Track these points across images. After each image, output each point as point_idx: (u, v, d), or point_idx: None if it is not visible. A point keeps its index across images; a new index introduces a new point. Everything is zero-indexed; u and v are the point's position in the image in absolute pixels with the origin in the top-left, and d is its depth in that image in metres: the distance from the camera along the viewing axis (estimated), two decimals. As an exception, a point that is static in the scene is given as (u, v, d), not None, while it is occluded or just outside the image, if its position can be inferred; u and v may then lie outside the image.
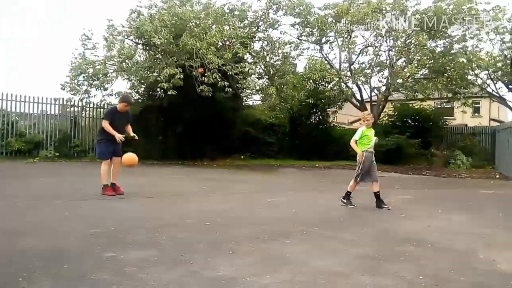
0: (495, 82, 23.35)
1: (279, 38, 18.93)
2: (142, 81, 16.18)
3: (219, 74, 14.25)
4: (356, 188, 7.28)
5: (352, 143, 7.44)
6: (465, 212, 7.02)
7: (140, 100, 17.49)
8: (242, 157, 18.75)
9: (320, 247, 4.43)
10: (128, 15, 15.75)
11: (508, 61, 21.72)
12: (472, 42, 20.05)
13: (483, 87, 23.82)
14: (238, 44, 15.29)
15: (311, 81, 19.76)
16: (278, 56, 18.52)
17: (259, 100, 21.69)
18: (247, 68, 16.40)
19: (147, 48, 16.02)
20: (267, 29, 18.40)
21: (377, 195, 7.16)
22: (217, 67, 14.11)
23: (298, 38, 20.08)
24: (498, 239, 5.07)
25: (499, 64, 22.20)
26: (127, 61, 15.22)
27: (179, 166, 14.87)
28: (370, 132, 7.42)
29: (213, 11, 15.73)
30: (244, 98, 20.38)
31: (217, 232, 4.94)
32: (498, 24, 20.31)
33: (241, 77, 15.42)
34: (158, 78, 14.22)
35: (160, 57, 15.54)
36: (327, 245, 4.53)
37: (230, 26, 16.40)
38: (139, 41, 15.98)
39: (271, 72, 18.27)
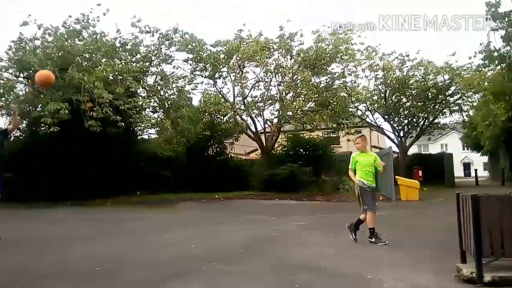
0: (372, 113, 26.06)
1: (173, 72, 19.02)
2: (24, 117, 14.85)
3: (110, 109, 13.68)
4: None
5: (349, 172, 6.85)
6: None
7: (21, 137, 15.96)
8: (138, 193, 17.98)
9: (215, 285, 4.33)
10: (8, 48, 14.65)
11: (382, 95, 24.46)
12: (350, 78, 22.26)
13: (363, 117, 26.37)
14: (131, 79, 14.89)
15: (207, 114, 20.06)
16: (173, 90, 18.49)
17: (154, 134, 21.25)
18: (141, 102, 16.01)
19: (30, 81, 14.83)
20: (160, 64, 18.32)
21: (358, 222, 6.64)
22: (107, 101, 13.54)
23: (192, 73, 20.31)
24: (383, 258, 5.39)
25: (375, 97, 24.89)
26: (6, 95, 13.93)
27: (67, 206, 13.66)
28: (363, 157, 6.72)
29: (103, 45, 15.23)
30: (139, 132, 19.85)
31: (106, 279, 4.55)
32: (371, 62, 22.88)
33: (134, 112, 14.99)
34: (42, 113, 13.20)
35: (44, 91, 14.47)
36: (223, 282, 4.43)
37: (122, 60, 16.00)
38: (21, 74, 14.79)
39: (166, 106, 18.06)
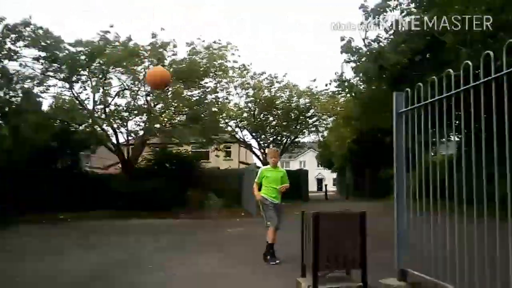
0: (241, 130, 26.91)
1: (18, 71, 16.42)
2: None
3: None
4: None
5: (254, 186, 6.60)
6: (214, 253, 7.22)
7: None
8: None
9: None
10: None
11: (251, 113, 25.47)
12: (222, 94, 22.49)
13: (233, 134, 27.05)
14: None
15: (58, 121, 17.81)
16: (16, 92, 16.05)
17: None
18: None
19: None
20: (2, 60, 15.76)
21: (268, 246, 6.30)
22: None
23: (44, 74, 17.62)
24: (231, 276, 5.36)
25: (245, 115, 25.77)
26: None
27: None
28: (271, 173, 6.44)
29: None
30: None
31: None
32: (243, 80, 23.67)
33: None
34: None
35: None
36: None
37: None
38: None
39: (6, 110, 15.62)
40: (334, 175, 48.95)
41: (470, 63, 3.55)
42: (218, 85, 20.99)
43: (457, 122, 6.79)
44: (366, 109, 16.44)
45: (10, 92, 15.90)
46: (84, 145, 19.66)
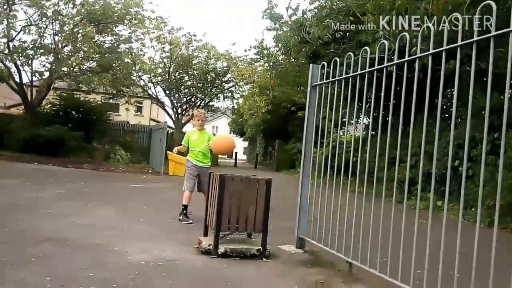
0: (155, 86, 25.63)
1: None
2: None
3: None
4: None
5: (180, 147, 6.30)
6: (113, 206, 6.85)
7: None
8: None
9: None
10: None
11: (166, 69, 24.25)
12: (137, 45, 21.10)
13: (145, 89, 25.68)
14: None
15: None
16: None
17: None
18: None
19: None
20: None
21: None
22: None
23: None
24: (136, 231, 5.12)
25: (159, 70, 24.50)
26: None
27: None
28: (197, 136, 6.16)
29: None
30: None
31: None
32: (160, 34, 22.30)
33: None
34: None
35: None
36: None
37: None
38: None
39: None
40: (246, 144, 49.46)
41: (386, 43, 3.51)
42: (133, 34, 19.68)
43: (367, 105, 6.98)
44: (282, 80, 16.47)
45: None
46: (-17, 80, 17.41)
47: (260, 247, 4.11)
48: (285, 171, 22.74)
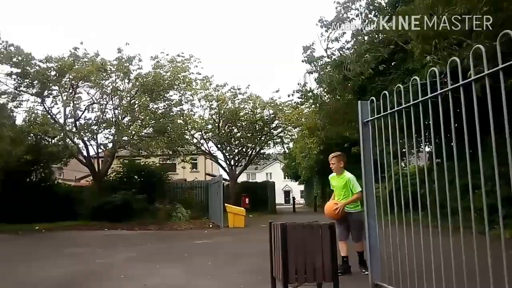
0: (207, 142, 26.35)
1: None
2: None
3: None
4: None
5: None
6: (181, 264, 6.85)
7: None
8: None
9: None
10: None
11: (216, 124, 24.97)
12: (187, 106, 22.02)
13: (198, 146, 26.45)
14: None
15: (32, 135, 17.31)
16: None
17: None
18: None
19: None
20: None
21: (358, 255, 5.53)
22: None
23: (16, 89, 17.41)
24: (201, 286, 5.02)
25: (210, 126, 25.26)
26: None
27: None
28: (335, 181, 5.72)
29: None
30: None
31: None
32: (207, 92, 23.22)
33: None
34: None
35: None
36: None
37: None
38: None
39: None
40: (302, 187, 48.11)
41: (435, 69, 3.33)
42: (183, 97, 20.59)
43: (426, 132, 6.62)
44: (331, 119, 16.16)
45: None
46: (57, 158, 19.04)
47: (333, 297, 3.76)
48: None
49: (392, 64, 10.68)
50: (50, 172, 20.26)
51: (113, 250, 9.17)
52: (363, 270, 5.23)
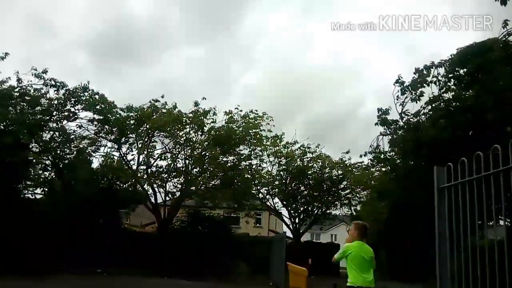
0: (273, 197, 26.44)
1: (75, 131, 17.54)
2: None
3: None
4: None
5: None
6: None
7: None
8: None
9: None
10: None
11: (283, 181, 25.14)
12: (256, 161, 22.54)
13: (263, 201, 26.59)
14: (24, 130, 13.39)
15: (105, 179, 18.62)
16: (71, 149, 16.93)
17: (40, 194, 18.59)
18: (31, 158, 14.33)
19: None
20: (61, 120, 16.82)
21: None
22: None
23: (96, 134, 18.93)
24: None
25: (276, 183, 25.44)
26: None
27: None
28: (357, 251, 5.21)
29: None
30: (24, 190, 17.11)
31: None
32: (276, 149, 23.69)
33: (23, 166, 13.29)
34: None
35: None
36: None
37: (18, 110, 14.51)
38: None
39: (61, 165, 16.36)
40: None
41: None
42: (252, 152, 21.19)
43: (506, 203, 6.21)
44: (402, 184, 15.62)
45: (66, 149, 16.77)
46: (126, 203, 19.96)
47: None
48: (414, 282, 20.36)
49: (470, 132, 10.32)
50: (119, 216, 21.06)
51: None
52: None
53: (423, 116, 10.82)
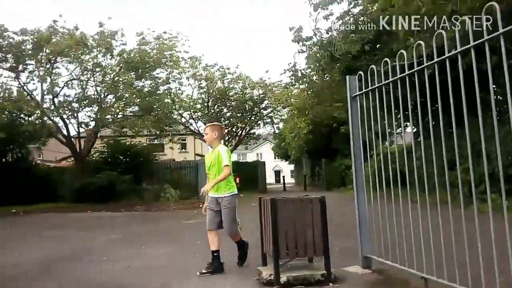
0: (196, 121, 26.36)
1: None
2: None
3: None
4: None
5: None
6: (168, 245, 6.88)
7: None
8: None
9: None
10: None
11: (205, 104, 24.98)
12: (175, 85, 21.88)
13: (187, 125, 26.43)
14: None
15: (6, 112, 16.81)
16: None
17: None
18: None
19: None
20: None
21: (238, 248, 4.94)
22: None
23: None
24: (192, 268, 4.91)
25: (198, 106, 25.25)
26: None
27: None
28: (208, 158, 4.89)
29: None
30: None
31: None
32: (195, 71, 23.10)
33: None
34: None
35: None
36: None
37: None
38: None
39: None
40: (292, 166, 48.90)
41: (422, 43, 3.39)
42: (170, 76, 20.42)
43: (412, 104, 6.79)
44: (320, 98, 16.41)
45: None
46: (34, 138, 18.61)
47: (324, 272, 3.87)
48: (335, 189, 22.34)
49: (377, 46, 11.03)
50: (27, 152, 19.83)
51: (96, 232, 9.07)
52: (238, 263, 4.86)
53: (335, 32, 11.28)
